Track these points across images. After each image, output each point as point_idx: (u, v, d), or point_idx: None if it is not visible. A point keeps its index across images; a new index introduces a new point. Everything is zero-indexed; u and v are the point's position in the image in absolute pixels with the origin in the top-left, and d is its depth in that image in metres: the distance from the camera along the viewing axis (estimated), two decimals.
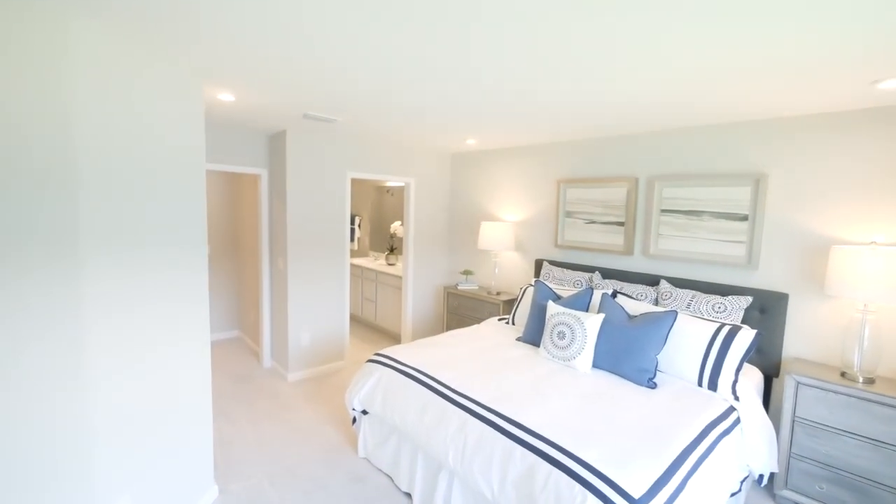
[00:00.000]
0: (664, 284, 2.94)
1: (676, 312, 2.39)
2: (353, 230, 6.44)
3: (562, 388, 2.21)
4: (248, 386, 3.73)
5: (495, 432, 1.84)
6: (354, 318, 5.91)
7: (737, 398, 2.18)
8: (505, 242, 4.01)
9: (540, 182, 3.97)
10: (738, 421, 2.06)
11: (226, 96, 2.53)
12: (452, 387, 2.20)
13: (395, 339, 5.10)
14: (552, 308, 2.71)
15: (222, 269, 4.95)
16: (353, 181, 6.54)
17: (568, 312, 2.61)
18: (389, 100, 2.48)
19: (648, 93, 2.20)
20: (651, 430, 1.82)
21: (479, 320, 4.08)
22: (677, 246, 3.06)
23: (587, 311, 2.81)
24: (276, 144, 3.85)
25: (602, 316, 2.52)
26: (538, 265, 3.91)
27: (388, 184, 5.86)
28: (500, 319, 3.53)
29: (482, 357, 2.62)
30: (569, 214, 3.74)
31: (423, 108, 2.64)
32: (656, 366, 2.32)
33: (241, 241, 4.91)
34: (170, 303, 1.97)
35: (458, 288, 4.34)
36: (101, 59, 1.64)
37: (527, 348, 2.81)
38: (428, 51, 1.73)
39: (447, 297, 4.44)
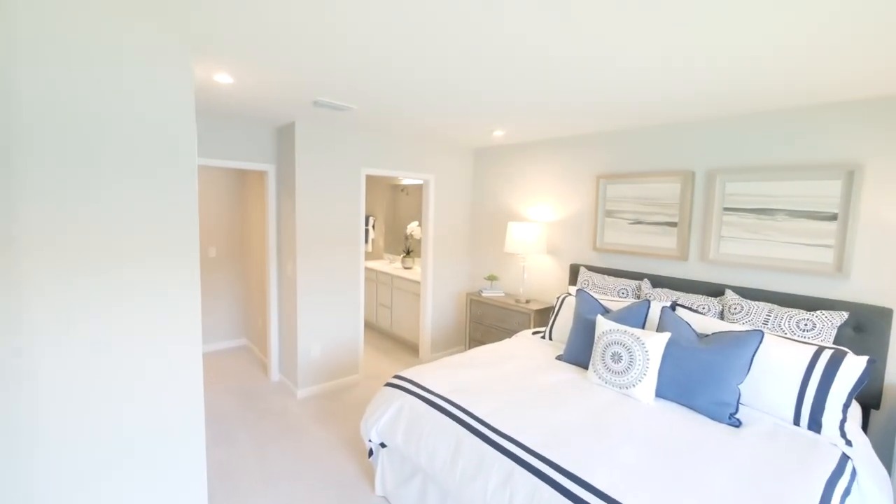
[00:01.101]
0: (731, 295, 2.51)
1: (762, 333, 1.97)
2: (366, 231, 6.09)
3: (626, 427, 1.80)
4: (254, 403, 3.39)
5: (553, 491, 1.44)
6: (369, 325, 5.56)
7: (848, 442, 1.75)
8: (535, 245, 3.61)
9: (575, 178, 3.56)
10: (854, 474, 1.63)
11: (223, 77, 2.18)
12: (492, 424, 1.81)
13: (413, 349, 4.73)
14: (603, 324, 2.31)
15: (228, 273, 4.64)
16: (367, 179, 6.19)
17: (623, 330, 2.20)
18: (412, 77, 2.10)
19: (730, 70, 1.78)
20: (758, 493, 1.41)
21: (506, 332, 3.68)
22: (744, 250, 2.63)
23: (643, 326, 2.39)
24: (284, 138, 3.51)
25: (667, 335, 2.10)
26: (574, 271, 3.50)
27: (404, 182, 5.49)
28: (534, 333, 3.13)
29: (521, 382, 2.22)
30: (609, 214, 3.32)
31: (449, 92, 2.26)
32: (739, 398, 1.90)
33: (248, 242, 4.59)
34: (151, 306, 1.62)
35: (483, 295, 3.95)
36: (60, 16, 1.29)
37: (572, 370, 2.40)
38: (455, 19, 1.35)
39: (470, 305, 4.05)
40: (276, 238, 3.72)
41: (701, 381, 1.95)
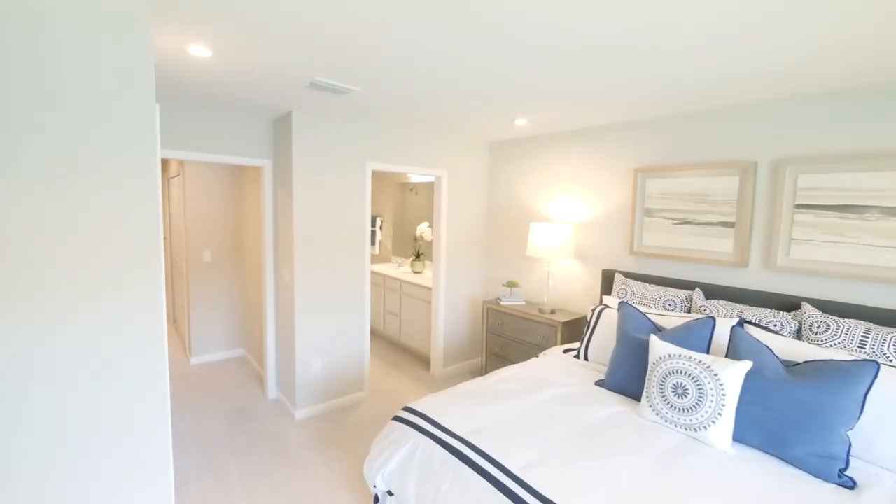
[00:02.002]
0: (809, 310, 2.08)
1: (877, 364, 1.53)
2: (373, 233, 5.71)
3: (702, 484, 1.39)
4: (246, 425, 3.02)
5: None
6: (375, 334, 5.17)
7: None
8: (562, 248, 3.19)
9: (608, 173, 3.14)
10: None
11: (199, 50, 1.80)
12: (531, 484, 1.40)
13: (423, 361, 4.32)
14: (660, 347, 1.89)
15: (224, 279, 4.28)
16: (374, 176, 5.81)
17: (688, 356, 1.78)
18: (424, 52, 1.71)
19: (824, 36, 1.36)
20: None
21: (529, 346, 3.27)
22: (823, 255, 2.19)
23: (708, 350, 1.97)
24: (281, 130, 3.14)
25: (747, 365, 1.67)
26: (607, 277, 3.07)
27: (413, 180, 5.10)
28: (565, 351, 2.71)
29: (561, 418, 1.81)
30: (650, 213, 2.89)
31: (462, 73, 1.86)
32: (849, 449, 1.48)
33: (246, 245, 4.23)
34: (101, 314, 1.24)
35: (501, 303, 3.54)
36: None
37: (619, 402, 1.98)
38: None
39: (487, 315, 3.64)
40: (273, 241, 3.35)
41: (797, 425, 1.52)
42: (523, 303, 3.58)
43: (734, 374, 1.65)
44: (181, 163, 4.12)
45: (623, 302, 2.34)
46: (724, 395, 1.64)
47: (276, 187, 3.25)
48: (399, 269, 4.99)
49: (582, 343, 2.60)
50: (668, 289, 2.63)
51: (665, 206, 2.81)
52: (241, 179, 4.23)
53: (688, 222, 2.71)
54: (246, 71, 2.08)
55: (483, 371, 3.68)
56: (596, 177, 3.22)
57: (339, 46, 1.73)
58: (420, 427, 1.78)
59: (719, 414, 1.63)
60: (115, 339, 1.27)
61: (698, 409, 1.67)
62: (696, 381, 1.71)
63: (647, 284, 2.74)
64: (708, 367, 1.70)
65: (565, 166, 3.42)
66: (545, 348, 3.14)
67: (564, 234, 3.20)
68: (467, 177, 3.94)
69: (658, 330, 2.15)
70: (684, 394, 1.72)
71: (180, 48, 1.80)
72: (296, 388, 3.11)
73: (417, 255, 4.81)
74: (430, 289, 4.10)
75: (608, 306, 2.64)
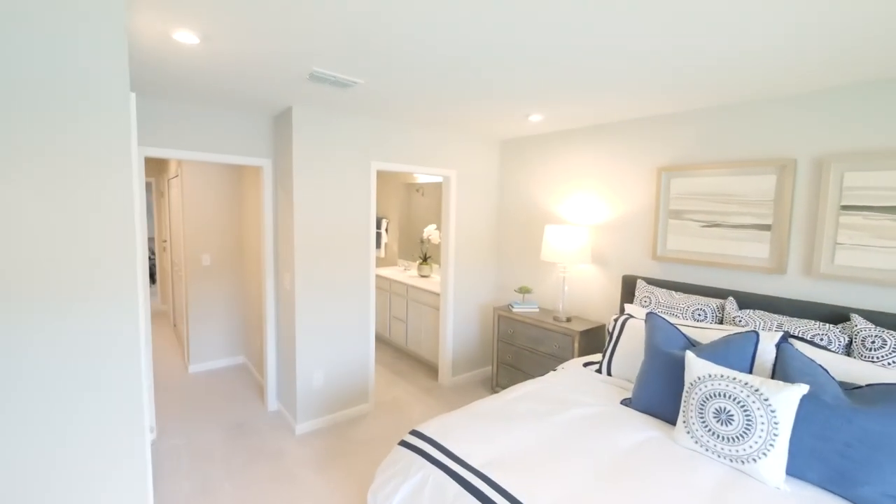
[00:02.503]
0: (860, 323, 1.87)
1: None
2: (379, 235, 5.54)
3: None
4: (244, 440, 2.85)
5: None
6: (381, 340, 5.00)
7: None
8: (578, 253, 2.99)
9: (629, 172, 2.94)
10: None
11: (185, 36, 1.63)
12: None
13: (431, 370, 4.14)
14: (697, 365, 1.69)
15: (224, 283, 4.13)
16: (379, 176, 5.64)
17: (731, 377, 1.58)
18: (434, 38, 1.53)
19: None
20: None
21: (544, 356, 3.08)
22: (874, 261, 1.98)
23: (751, 369, 1.76)
24: (281, 127, 2.97)
25: (803, 388, 1.47)
26: (628, 284, 2.87)
27: (419, 180, 4.92)
28: (586, 364, 2.52)
29: (588, 445, 1.62)
30: (675, 214, 2.69)
31: (475, 59, 1.68)
32: None
33: (246, 248, 4.08)
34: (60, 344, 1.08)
35: (514, 310, 3.35)
36: None
37: (651, 425, 1.79)
38: None
39: (498, 322, 3.45)
40: (273, 245, 3.18)
41: (866, 460, 1.32)
42: (537, 310, 3.39)
43: (788, 399, 1.45)
44: (179, 163, 3.97)
45: (651, 313, 2.14)
46: (776, 423, 1.44)
47: (277, 188, 3.09)
48: (405, 273, 4.81)
49: (604, 356, 2.40)
50: (697, 297, 2.42)
51: (692, 207, 2.61)
52: (242, 180, 4.07)
53: (717, 225, 2.50)
54: (239, 60, 1.91)
55: (494, 381, 3.49)
56: (616, 176, 3.02)
57: (341, 27, 1.55)
58: (430, 455, 1.59)
59: (771, 445, 1.43)
60: (82, 345, 1.11)
61: (746, 439, 1.47)
62: (742, 407, 1.51)
63: (673, 292, 2.53)
64: (756, 390, 1.50)
65: (582, 165, 3.23)
66: (561, 359, 2.95)
67: (581, 236, 3.00)
68: (477, 177, 3.76)
69: (692, 345, 1.95)
70: (729, 420, 1.52)
71: (164, 34, 1.63)
72: (297, 400, 2.94)
73: (424, 259, 4.63)
74: (437, 294, 3.92)
75: (632, 316, 2.44)
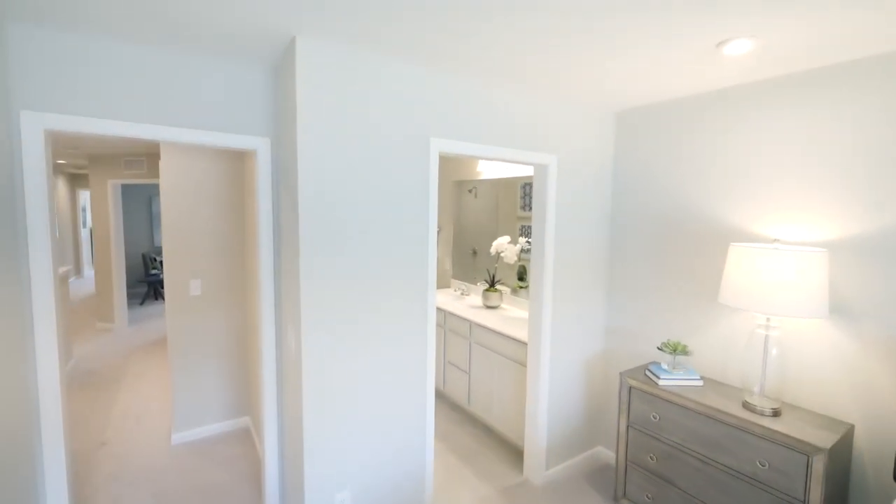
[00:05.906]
0: None
1: None
2: None
3: None
4: None
5: None
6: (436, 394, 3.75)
7: None
8: (805, 293, 1.62)
9: (893, 150, 1.54)
10: None
11: None
12: None
13: (510, 449, 2.84)
14: None
15: (220, 319, 3.01)
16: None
17: None
18: None
19: None
20: None
21: (730, 476, 1.72)
22: None
23: None
24: (284, 83, 1.79)
25: None
26: None
27: (482, 174, 3.65)
28: None
29: None
30: None
31: None
32: None
33: (251, 271, 2.95)
34: None
35: (661, 383, 2.01)
36: None
37: None
38: None
39: (630, 399, 2.13)
40: (274, 282, 2.00)
41: None
42: (699, 382, 2.04)
43: None
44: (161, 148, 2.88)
45: None
46: None
47: (280, 186, 1.90)
48: (464, 302, 3.54)
49: None
50: None
51: None
52: (243, 175, 2.94)
53: None
54: None
55: (618, 489, 2.16)
56: (869, 158, 1.63)
57: None
58: None
59: None
60: None
61: None
62: None
63: None
64: None
65: (786, 141, 1.85)
66: (770, 487, 1.59)
67: (809, 266, 1.62)
68: (585, 165, 2.45)
69: None
70: None
71: None
72: None
73: (492, 284, 3.35)
74: (520, 342, 2.63)
75: None
